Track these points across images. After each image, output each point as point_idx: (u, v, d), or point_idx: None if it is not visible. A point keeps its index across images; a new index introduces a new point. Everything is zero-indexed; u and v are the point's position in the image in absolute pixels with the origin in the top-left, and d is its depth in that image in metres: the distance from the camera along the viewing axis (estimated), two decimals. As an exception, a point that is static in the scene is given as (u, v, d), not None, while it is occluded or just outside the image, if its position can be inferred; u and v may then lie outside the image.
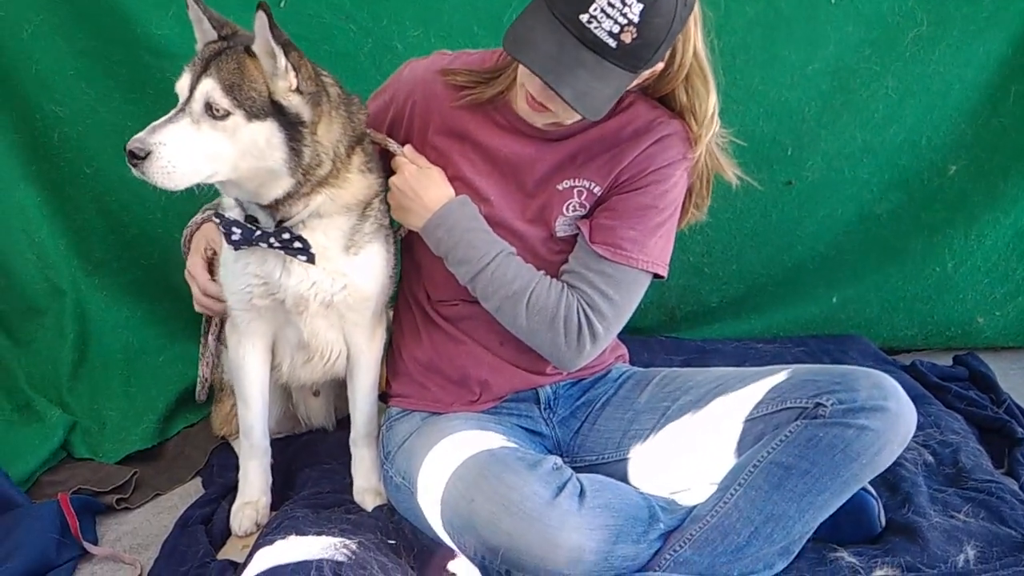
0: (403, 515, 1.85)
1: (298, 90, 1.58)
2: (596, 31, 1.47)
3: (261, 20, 1.51)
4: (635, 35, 1.47)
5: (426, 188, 1.75)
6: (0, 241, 2.44)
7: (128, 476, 2.15)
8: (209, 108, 1.54)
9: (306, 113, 1.60)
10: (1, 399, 2.41)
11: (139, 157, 1.49)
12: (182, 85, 1.57)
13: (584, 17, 1.47)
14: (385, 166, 1.83)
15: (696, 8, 1.62)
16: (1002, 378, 2.54)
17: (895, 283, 2.70)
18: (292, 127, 1.59)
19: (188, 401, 2.40)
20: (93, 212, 2.48)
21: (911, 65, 2.51)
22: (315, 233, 1.71)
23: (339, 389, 2.09)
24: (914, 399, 2.30)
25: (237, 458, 2.14)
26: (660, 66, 1.63)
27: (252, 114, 1.55)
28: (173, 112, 1.55)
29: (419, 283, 1.90)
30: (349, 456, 1.98)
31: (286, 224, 1.68)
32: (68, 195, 2.47)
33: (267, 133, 1.57)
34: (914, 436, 2.14)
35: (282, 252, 1.70)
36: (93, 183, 2.45)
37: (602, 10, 1.46)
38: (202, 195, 1.68)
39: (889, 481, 1.99)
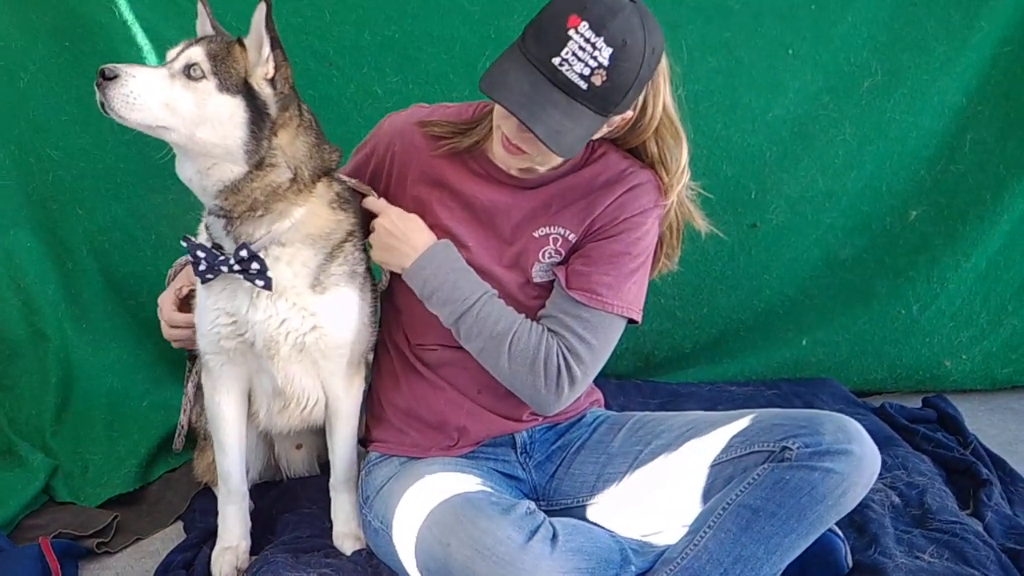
0: (381, 559, 1.83)
1: (272, 84, 1.63)
2: (568, 73, 1.51)
3: (261, 11, 1.58)
4: (605, 78, 1.51)
5: (412, 230, 1.78)
6: (-14, 284, 2.42)
7: (109, 520, 2.13)
8: (188, 69, 1.58)
9: (272, 108, 1.64)
10: None
11: (107, 78, 1.51)
12: (172, 52, 1.62)
13: (556, 60, 1.51)
14: (365, 217, 1.85)
15: (664, 63, 1.66)
16: (970, 419, 2.56)
17: (862, 326, 2.73)
18: (257, 113, 1.62)
19: (170, 446, 2.32)
20: (84, 253, 2.51)
21: (867, 113, 2.58)
22: (279, 264, 1.71)
23: (321, 441, 2.06)
24: (882, 441, 2.28)
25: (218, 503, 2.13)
26: (630, 114, 1.68)
27: (224, 87, 1.59)
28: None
29: (399, 328, 1.90)
30: (329, 501, 1.97)
31: (266, 266, 1.69)
32: (60, 238, 2.49)
33: (232, 108, 1.60)
34: (881, 478, 2.14)
35: (242, 278, 1.69)
36: (86, 223, 2.49)
37: (573, 53, 1.50)
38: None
39: (856, 522, 1.99)
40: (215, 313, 1.76)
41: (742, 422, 1.73)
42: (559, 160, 1.70)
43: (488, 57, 2.40)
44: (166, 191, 2.43)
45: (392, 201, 1.85)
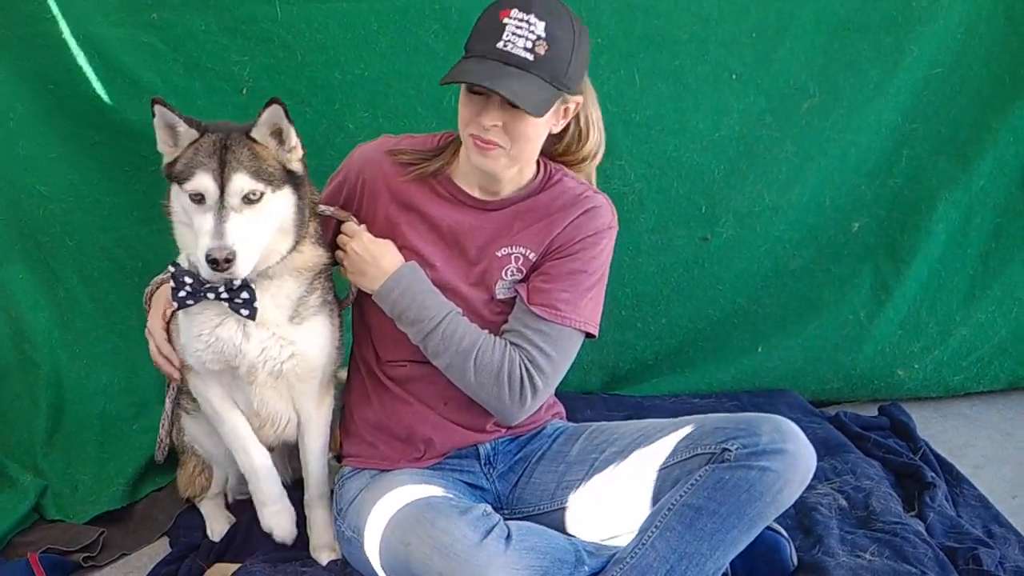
0: (355, 566, 1.88)
1: (302, 159, 1.75)
2: (513, 50, 1.64)
3: (277, 111, 1.69)
4: (547, 47, 1.65)
5: (382, 254, 1.83)
6: (-24, 317, 2.40)
7: (96, 536, 2.16)
8: (247, 198, 1.65)
9: (305, 182, 1.76)
10: None
11: (229, 261, 1.60)
12: (204, 184, 1.64)
13: (500, 44, 1.65)
14: (331, 241, 1.91)
15: (589, 85, 1.84)
16: (924, 426, 2.62)
17: (815, 333, 2.78)
18: (298, 189, 1.75)
19: (157, 466, 2.38)
20: (75, 282, 2.54)
21: (808, 132, 2.65)
22: (264, 295, 1.76)
23: (292, 449, 2.11)
24: (835, 447, 2.40)
25: (203, 519, 2.18)
26: (580, 99, 1.79)
27: (275, 187, 1.70)
28: (213, 213, 1.64)
29: (369, 346, 1.95)
30: (302, 515, 2.01)
31: (255, 295, 1.74)
32: (52, 268, 2.53)
33: (287, 198, 1.73)
34: (830, 482, 2.23)
35: (227, 305, 1.74)
36: (76, 254, 2.53)
37: (512, 33, 1.65)
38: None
39: (803, 524, 2.05)
40: (199, 342, 1.79)
41: (687, 427, 1.78)
42: (530, 153, 1.79)
43: (454, 92, 2.38)
44: (151, 222, 2.47)
45: (364, 224, 1.91)
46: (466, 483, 1.91)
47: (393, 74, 2.50)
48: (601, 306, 1.88)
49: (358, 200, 1.91)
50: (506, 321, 1.85)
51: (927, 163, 2.72)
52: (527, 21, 1.64)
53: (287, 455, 2.18)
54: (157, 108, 1.67)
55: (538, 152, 1.83)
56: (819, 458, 1.72)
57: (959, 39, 2.63)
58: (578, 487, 1.86)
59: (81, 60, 2.39)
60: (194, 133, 1.68)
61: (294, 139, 1.72)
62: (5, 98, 2.41)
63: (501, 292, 1.87)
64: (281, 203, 1.71)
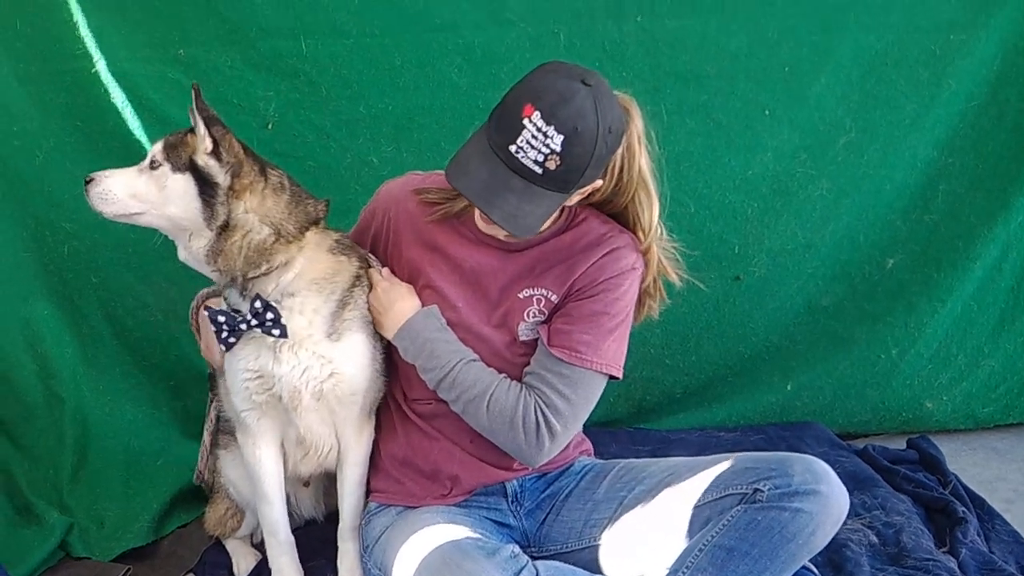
0: None
1: (216, 156, 1.78)
2: (523, 159, 1.61)
3: (193, 96, 1.77)
4: (559, 162, 1.60)
5: (394, 301, 1.88)
6: (4, 354, 2.55)
7: (122, 572, 2.21)
8: (151, 163, 1.81)
9: (221, 177, 1.78)
10: (3, 502, 2.47)
11: (87, 182, 1.81)
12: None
13: (512, 147, 1.61)
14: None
15: (639, 125, 1.76)
16: (953, 459, 2.62)
17: (845, 370, 2.80)
18: (206, 185, 1.78)
19: (182, 502, 2.47)
20: (99, 318, 2.61)
21: (843, 168, 2.67)
22: (293, 314, 1.83)
23: (328, 479, 2.16)
24: (863, 482, 2.39)
25: (228, 556, 2.23)
26: (600, 183, 1.76)
27: (176, 168, 1.79)
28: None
29: (396, 382, 2.00)
30: (333, 552, 2.05)
31: (280, 314, 1.81)
32: (76, 305, 2.60)
33: (184, 184, 1.79)
34: (860, 517, 2.23)
35: (259, 332, 1.81)
36: (100, 291, 2.60)
37: (527, 141, 1.60)
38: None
39: (834, 561, 2.05)
40: (244, 373, 1.87)
41: (718, 467, 1.79)
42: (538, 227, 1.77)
43: (476, 126, 2.44)
44: (173, 259, 2.44)
45: (390, 263, 1.96)
46: (493, 520, 1.94)
47: (417, 109, 2.56)
48: (625, 347, 1.87)
49: (384, 239, 1.97)
50: (529, 363, 1.86)
51: (964, 198, 2.73)
52: (544, 133, 1.59)
53: (322, 490, 2.24)
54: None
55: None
56: (848, 493, 1.74)
57: (996, 73, 2.65)
58: (606, 525, 1.87)
59: (109, 96, 2.46)
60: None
61: (200, 128, 1.79)
62: (33, 135, 2.50)
63: (524, 334, 1.89)
64: (176, 185, 1.80)
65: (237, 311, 1.83)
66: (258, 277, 1.80)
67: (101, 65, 2.43)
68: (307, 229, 1.84)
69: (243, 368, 1.87)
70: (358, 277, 1.91)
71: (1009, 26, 2.60)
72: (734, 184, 2.65)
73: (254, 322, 1.80)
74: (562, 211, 1.87)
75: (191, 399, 2.64)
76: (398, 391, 1.99)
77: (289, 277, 1.82)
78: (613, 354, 1.83)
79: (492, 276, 1.88)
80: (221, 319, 1.82)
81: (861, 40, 2.58)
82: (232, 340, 1.84)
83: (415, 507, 1.93)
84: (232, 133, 1.79)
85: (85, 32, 2.41)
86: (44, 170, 2.51)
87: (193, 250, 1.82)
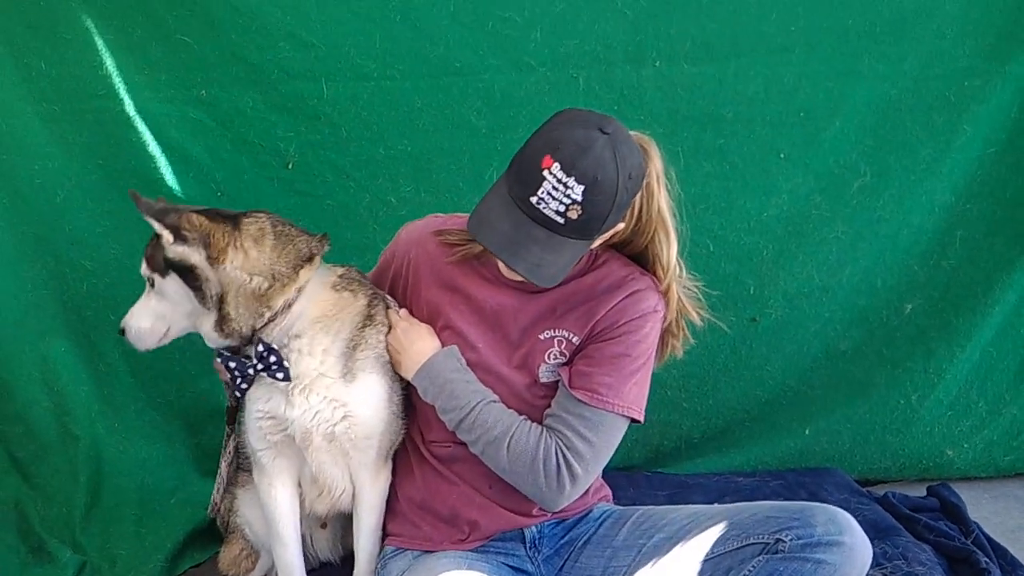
0: None
1: (182, 240, 1.79)
2: (544, 211, 1.62)
3: (135, 203, 1.82)
4: (580, 212, 1.62)
5: (413, 342, 1.89)
6: (20, 391, 2.57)
7: None
8: (149, 281, 1.87)
9: (195, 257, 1.79)
10: (16, 541, 2.47)
11: (121, 334, 1.91)
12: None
13: (534, 199, 1.62)
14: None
15: (658, 165, 1.78)
16: (974, 507, 2.60)
17: (863, 416, 2.78)
18: (187, 272, 1.80)
19: (196, 541, 2.47)
20: (116, 356, 2.63)
21: (859, 212, 2.68)
22: (303, 356, 1.84)
23: (346, 521, 2.15)
24: (885, 530, 2.37)
25: None
26: (621, 226, 1.78)
27: (161, 273, 1.83)
28: None
29: (415, 424, 2.00)
30: None
31: (282, 358, 1.83)
32: (93, 342, 2.62)
33: (173, 284, 1.83)
34: (881, 567, 2.21)
35: (266, 376, 1.83)
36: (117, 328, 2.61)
37: (548, 192, 1.61)
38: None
39: None
40: (257, 414, 1.90)
41: (739, 516, 1.78)
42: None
43: (494, 168, 2.56)
44: None
45: (409, 304, 1.98)
46: (510, 567, 1.93)
47: (436, 150, 2.58)
48: (647, 391, 1.88)
49: (404, 280, 1.99)
50: (549, 405, 1.87)
51: (982, 244, 2.73)
52: (564, 184, 1.61)
53: (339, 532, 2.23)
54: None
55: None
56: (871, 547, 1.73)
57: (1013, 118, 2.66)
58: (625, 573, 1.86)
59: (127, 134, 2.50)
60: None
61: (155, 225, 1.81)
62: (55, 173, 2.54)
63: (544, 376, 1.89)
64: (167, 288, 1.84)
65: (248, 357, 1.85)
66: (266, 326, 1.82)
67: (123, 105, 2.47)
68: (301, 267, 1.84)
69: (256, 411, 1.89)
70: (369, 316, 1.91)
71: None
72: (749, 226, 2.66)
73: (260, 366, 1.82)
74: (583, 254, 1.87)
75: (206, 436, 2.65)
76: (416, 433, 2.00)
77: (292, 318, 1.83)
78: (635, 397, 1.83)
79: (513, 317, 1.89)
80: (232, 364, 1.85)
81: (876, 87, 2.60)
82: (244, 386, 1.87)
83: (432, 551, 1.92)
84: (187, 212, 1.81)
85: (111, 71, 2.45)
86: (65, 208, 2.55)
87: (205, 331, 1.85)
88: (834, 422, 2.79)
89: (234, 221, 1.82)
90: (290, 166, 2.54)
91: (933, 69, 2.60)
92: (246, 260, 1.80)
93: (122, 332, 1.90)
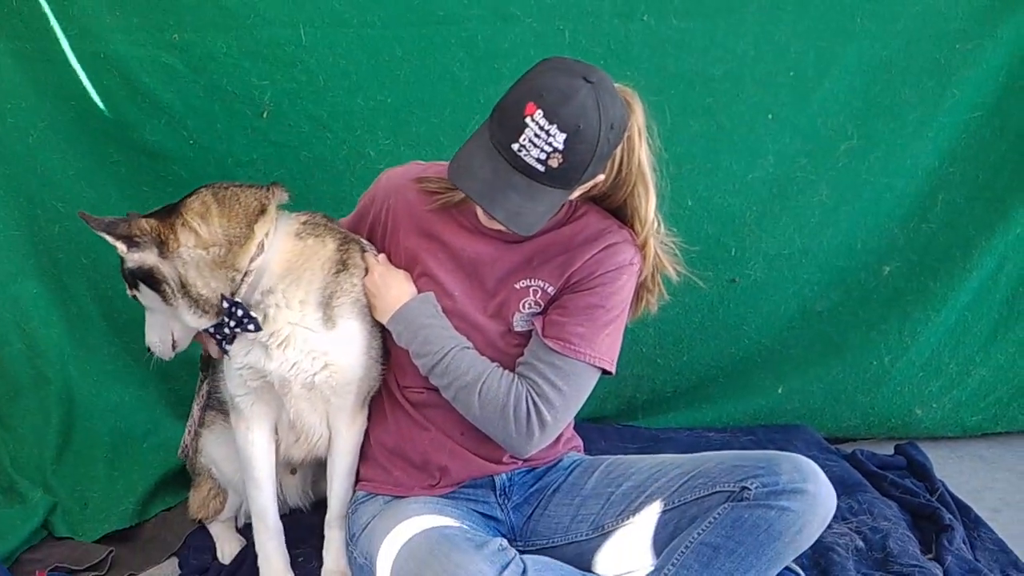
0: None
1: (134, 245, 1.80)
2: (525, 158, 1.63)
3: (87, 223, 1.83)
4: (561, 160, 1.63)
5: (389, 287, 1.91)
6: (-8, 332, 2.58)
7: (104, 554, 2.24)
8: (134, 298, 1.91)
9: (150, 258, 1.81)
10: None
11: (151, 352, 1.98)
12: None
13: (515, 146, 1.63)
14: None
15: (640, 118, 1.78)
16: (940, 466, 2.66)
17: (836, 375, 2.83)
18: (149, 278, 1.82)
19: (168, 485, 2.50)
20: (88, 300, 2.62)
21: (844, 175, 2.69)
22: (280, 311, 1.85)
23: (316, 468, 2.20)
24: (851, 486, 2.43)
25: (212, 540, 2.26)
26: (601, 177, 1.79)
27: (133, 286, 1.88)
28: None
29: (389, 369, 2.02)
30: (318, 541, 2.08)
31: (248, 309, 1.84)
32: (65, 285, 2.60)
33: (145, 292, 1.86)
34: (847, 522, 2.27)
35: (240, 331, 1.85)
36: (90, 272, 2.60)
37: (530, 140, 1.62)
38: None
39: (820, 565, 2.10)
40: (239, 365, 1.92)
41: (705, 464, 1.82)
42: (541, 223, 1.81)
43: (476, 121, 2.44)
44: None
45: (386, 250, 1.99)
46: (480, 513, 1.98)
47: (416, 102, 2.55)
48: (619, 343, 1.91)
49: (382, 226, 2.00)
50: (523, 354, 1.90)
51: (963, 208, 2.76)
52: (547, 132, 1.62)
53: (309, 478, 2.27)
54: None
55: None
56: (836, 496, 1.76)
57: (1001, 84, 2.67)
58: (592, 521, 1.91)
59: (103, 78, 2.44)
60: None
61: (111, 240, 1.82)
62: (26, 113, 2.50)
63: (519, 324, 1.91)
64: (142, 298, 1.89)
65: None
66: (239, 289, 1.83)
67: (93, 48, 2.40)
68: (255, 221, 1.83)
69: (237, 364, 1.92)
70: (341, 262, 1.91)
71: (1017, 37, 2.62)
72: (734, 187, 2.67)
73: (232, 323, 1.83)
74: (563, 205, 1.88)
75: (179, 382, 2.66)
76: (391, 377, 2.02)
77: (258, 274, 1.83)
78: (607, 348, 1.86)
79: (490, 266, 1.91)
80: (211, 330, 1.86)
81: (867, 47, 2.60)
82: (227, 346, 1.88)
83: (402, 497, 1.96)
84: (136, 219, 1.82)
85: (82, 10, 2.38)
86: (37, 149, 2.49)
87: (187, 320, 1.85)
88: (807, 381, 2.84)
89: (176, 211, 1.83)
90: (265, 115, 2.49)
91: (925, 30, 2.59)
92: (198, 238, 1.80)
93: (149, 350, 1.97)
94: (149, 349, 1.97)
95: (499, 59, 2.49)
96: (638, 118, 1.78)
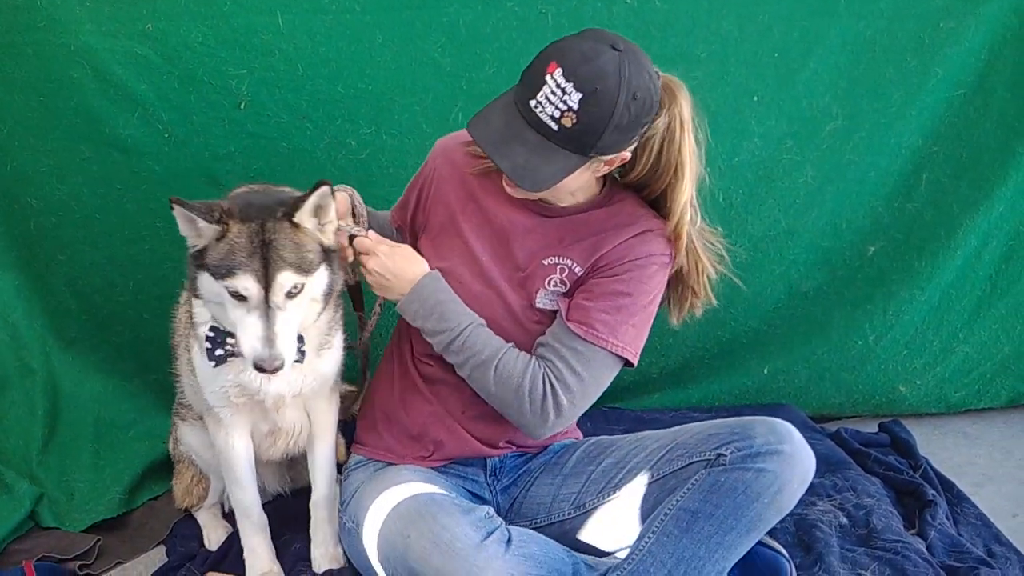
0: (352, 560, 1.99)
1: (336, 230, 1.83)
2: (540, 114, 1.68)
3: (326, 193, 1.73)
4: (575, 120, 1.66)
5: (401, 268, 1.91)
6: (-27, 324, 2.61)
7: (92, 544, 2.27)
8: (289, 293, 1.71)
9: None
10: None
11: (277, 369, 1.69)
12: (247, 285, 1.67)
13: (532, 102, 1.68)
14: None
15: (685, 110, 1.77)
16: (924, 443, 2.73)
17: (821, 355, 2.88)
18: (331, 261, 1.81)
19: (154, 474, 2.53)
20: (67, 294, 2.62)
21: (828, 155, 2.72)
22: None
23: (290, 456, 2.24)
24: (835, 464, 2.48)
25: (199, 528, 2.30)
26: (627, 155, 1.79)
27: (311, 272, 1.74)
28: (258, 313, 1.68)
29: (406, 337, 2.05)
30: (299, 525, 2.12)
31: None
32: (43, 279, 2.60)
33: (322, 276, 1.79)
34: (831, 499, 2.31)
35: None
36: (67, 268, 2.60)
37: (546, 96, 1.66)
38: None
39: (804, 541, 2.15)
40: (224, 382, 1.91)
41: (682, 436, 1.87)
42: (563, 197, 1.85)
43: (460, 108, 2.54)
44: (141, 241, 2.54)
45: (427, 206, 2.00)
46: (468, 491, 2.03)
47: (397, 89, 2.52)
48: (645, 336, 1.91)
49: (427, 188, 2.02)
50: (542, 332, 1.92)
51: (947, 187, 2.79)
52: (563, 89, 1.65)
53: (286, 465, 2.31)
54: (176, 209, 1.68)
55: (585, 185, 1.86)
56: (819, 474, 1.86)
57: (984, 62, 2.70)
58: (574, 500, 1.96)
59: (73, 71, 2.37)
60: (213, 229, 1.69)
61: (331, 214, 1.79)
62: None
63: (541, 301, 1.93)
64: (317, 283, 1.79)
65: (230, 333, 1.79)
66: None
67: (64, 39, 2.30)
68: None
69: (223, 378, 1.91)
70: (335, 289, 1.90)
71: (998, 15, 2.64)
72: (720, 171, 2.60)
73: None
74: (601, 187, 1.93)
75: (161, 373, 2.63)
76: (406, 346, 2.05)
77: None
78: (631, 339, 1.87)
79: (521, 237, 1.93)
80: (211, 334, 1.84)
81: (851, 26, 2.61)
82: (219, 353, 1.86)
83: (394, 464, 2.00)
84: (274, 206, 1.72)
85: (50, 1, 2.28)
86: (8, 144, 2.45)
87: (337, 285, 1.85)
88: (792, 361, 2.88)
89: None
90: (242, 106, 2.44)
91: (908, 8, 2.61)
92: None
93: (274, 370, 1.70)
94: (262, 367, 1.68)
95: (481, 44, 2.48)
96: (682, 109, 1.79)
